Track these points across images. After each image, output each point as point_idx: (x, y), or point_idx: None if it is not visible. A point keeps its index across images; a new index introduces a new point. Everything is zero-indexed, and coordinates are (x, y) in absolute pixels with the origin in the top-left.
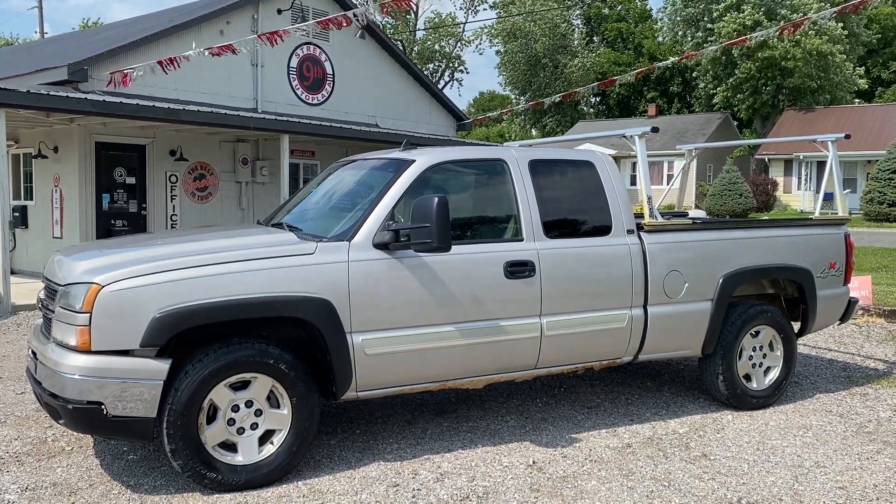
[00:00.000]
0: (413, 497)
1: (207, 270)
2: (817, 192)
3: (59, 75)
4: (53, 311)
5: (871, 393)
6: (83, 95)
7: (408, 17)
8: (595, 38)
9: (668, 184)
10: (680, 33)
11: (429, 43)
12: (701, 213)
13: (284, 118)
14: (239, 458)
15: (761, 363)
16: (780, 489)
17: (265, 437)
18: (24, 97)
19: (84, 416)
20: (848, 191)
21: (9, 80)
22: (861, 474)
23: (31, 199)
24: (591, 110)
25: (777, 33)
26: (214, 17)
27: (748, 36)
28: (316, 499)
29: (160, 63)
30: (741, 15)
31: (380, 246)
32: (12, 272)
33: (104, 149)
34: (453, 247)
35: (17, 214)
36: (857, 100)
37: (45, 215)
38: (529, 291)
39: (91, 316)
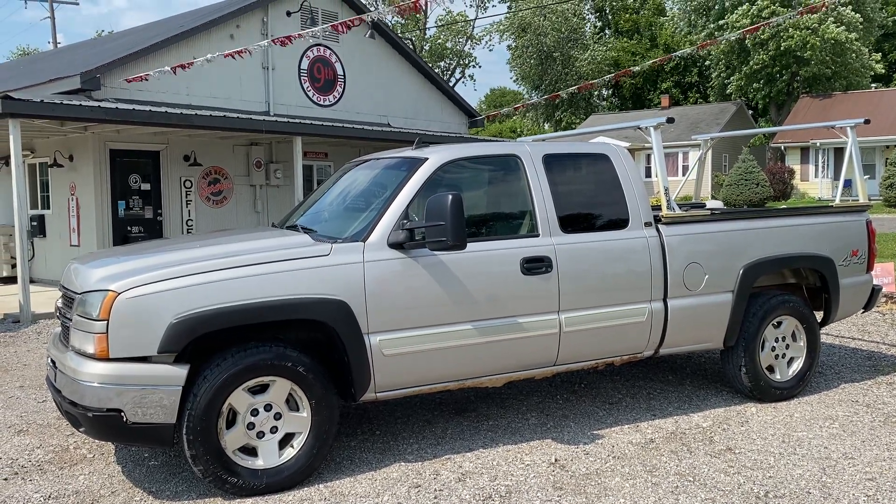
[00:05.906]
0: (435, 498)
1: (223, 275)
2: (835, 179)
3: (72, 84)
4: (71, 320)
5: None
6: (96, 103)
7: (418, 17)
8: (607, 30)
9: (683, 175)
10: (691, 25)
11: (440, 40)
12: (718, 204)
13: (297, 120)
14: (259, 462)
15: (784, 354)
16: (808, 482)
17: (285, 441)
18: (37, 107)
19: (104, 423)
20: (867, 177)
21: (23, 91)
22: (891, 465)
23: (48, 208)
24: (604, 103)
25: (797, 15)
26: (224, 21)
27: (766, 22)
28: (337, 501)
29: (174, 69)
30: (754, 6)
31: (395, 245)
32: (31, 281)
33: (118, 156)
34: (469, 244)
35: (35, 224)
36: (874, 84)
37: (62, 224)
38: (547, 287)
39: (108, 323)
